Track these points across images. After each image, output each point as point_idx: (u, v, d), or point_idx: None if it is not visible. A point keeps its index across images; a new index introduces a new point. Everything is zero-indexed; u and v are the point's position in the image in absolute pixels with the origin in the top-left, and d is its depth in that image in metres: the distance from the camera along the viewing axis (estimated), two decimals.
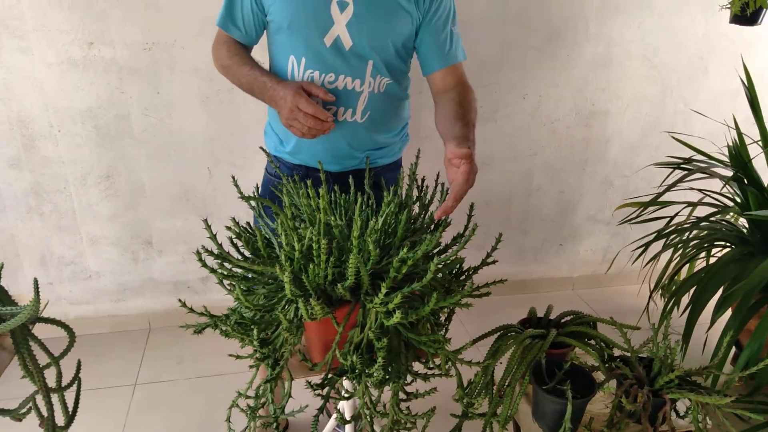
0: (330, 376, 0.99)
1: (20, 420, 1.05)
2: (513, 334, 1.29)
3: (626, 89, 2.33)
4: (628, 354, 1.20)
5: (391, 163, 1.45)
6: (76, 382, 1.31)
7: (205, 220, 1.01)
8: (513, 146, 2.33)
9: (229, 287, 1.05)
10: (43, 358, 1.03)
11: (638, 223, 2.14)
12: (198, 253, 0.96)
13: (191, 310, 1.03)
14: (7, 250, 2.04)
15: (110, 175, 2.00)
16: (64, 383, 1.08)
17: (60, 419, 1.08)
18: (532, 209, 2.49)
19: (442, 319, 1.18)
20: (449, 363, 1.07)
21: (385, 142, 1.41)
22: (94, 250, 2.10)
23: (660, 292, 2.00)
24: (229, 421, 1.06)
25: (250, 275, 1.06)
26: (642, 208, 2.08)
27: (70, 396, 1.09)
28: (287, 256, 1.01)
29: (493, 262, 1.23)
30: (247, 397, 1.04)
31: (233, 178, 1.22)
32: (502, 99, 2.24)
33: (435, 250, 1.15)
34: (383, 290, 0.89)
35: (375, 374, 0.94)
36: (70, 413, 1.27)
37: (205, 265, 0.99)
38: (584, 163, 2.44)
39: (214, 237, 1.00)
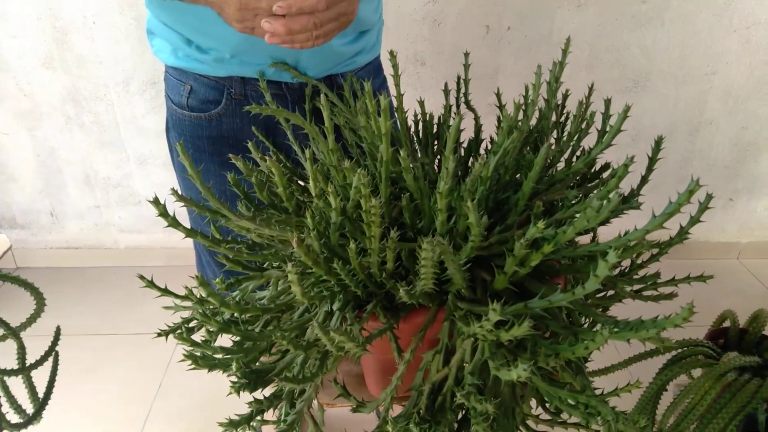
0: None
1: None
2: (700, 358, 0.77)
3: None
4: None
5: (372, 60, 0.96)
6: (52, 356, 0.98)
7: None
8: (683, 60, 1.66)
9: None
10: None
11: None
12: (157, 201, 0.53)
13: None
14: (49, 165, 1.77)
15: (156, 81, 1.62)
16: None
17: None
18: (699, 149, 1.83)
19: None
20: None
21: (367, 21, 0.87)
22: (143, 172, 1.78)
23: None
24: None
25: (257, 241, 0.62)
26: None
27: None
28: (321, 218, 0.55)
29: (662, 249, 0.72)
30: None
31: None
32: None
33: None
34: (494, 310, 0.41)
35: None
36: (41, 400, 0.95)
37: (175, 224, 0.56)
38: None
39: (198, 174, 0.57)
